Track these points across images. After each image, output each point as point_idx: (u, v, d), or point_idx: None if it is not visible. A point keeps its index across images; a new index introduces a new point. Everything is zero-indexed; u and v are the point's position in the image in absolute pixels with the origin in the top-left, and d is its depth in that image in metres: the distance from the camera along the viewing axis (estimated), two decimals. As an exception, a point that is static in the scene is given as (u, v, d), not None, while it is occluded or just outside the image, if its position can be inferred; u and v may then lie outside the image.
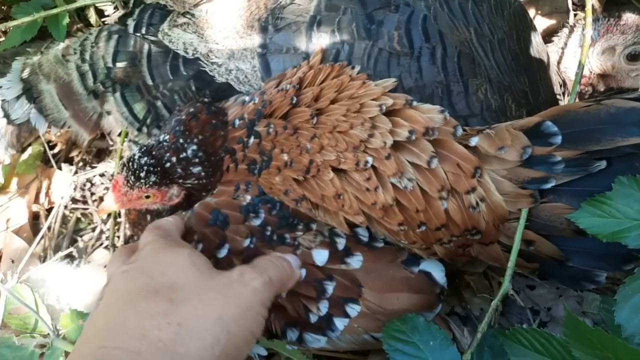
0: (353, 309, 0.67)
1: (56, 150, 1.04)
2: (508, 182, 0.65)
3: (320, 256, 0.66)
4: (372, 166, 0.65)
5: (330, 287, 0.66)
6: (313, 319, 0.66)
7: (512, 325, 0.78)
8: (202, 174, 0.69)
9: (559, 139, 0.64)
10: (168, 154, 0.68)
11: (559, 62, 0.92)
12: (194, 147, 0.68)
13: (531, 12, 1.05)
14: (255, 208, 0.67)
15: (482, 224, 0.66)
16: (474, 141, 0.66)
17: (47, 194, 1.00)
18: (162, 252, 0.55)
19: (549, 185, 0.64)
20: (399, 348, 0.61)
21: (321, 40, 0.76)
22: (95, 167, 1.04)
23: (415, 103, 0.69)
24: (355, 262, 0.68)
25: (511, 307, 0.80)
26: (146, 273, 0.50)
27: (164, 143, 0.69)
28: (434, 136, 0.65)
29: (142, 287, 0.48)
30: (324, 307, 0.66)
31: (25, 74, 0.91)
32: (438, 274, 0.70)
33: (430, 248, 0.69)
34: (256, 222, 0.66)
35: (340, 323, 0.67)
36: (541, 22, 1.05)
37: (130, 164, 0.67)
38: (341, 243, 0.67)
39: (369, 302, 0.67)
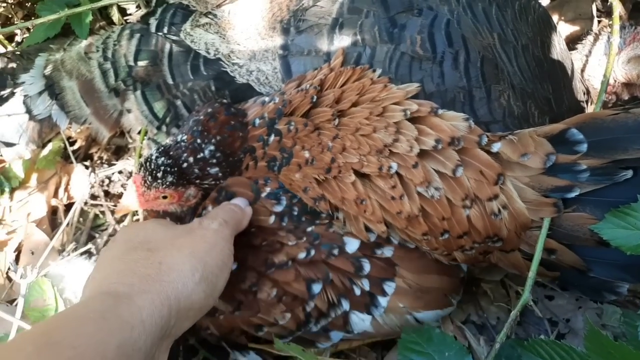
0: (390, 286, 0.67)
1: (76, 146, 1.05)
2: (531, 189, 0.64)
3: (351, 245, 0.67)
4: (398, 174, 0.65)
5: (366, 265, 0.67)
6: (357, 291, 0.66)
7: (529, 336, 0.78)
8: (220, 174, 0.70)
9: (584, 147, 0.63)
10: (185, 154, 0.68)
11: (582, 70, 0.91)
12: (212, 147, 0.69)
13: (554, 17, 1.04)
14: (277, 196, 0.67)
15: (504, 231, 0.65)
16: (496, 147, 0.65)
17: (66, 190, 1.01)
18: (133, 225, 0.68)
19: (572, 195, 0.63)
20: (413, 359, 0.61)
21: (343, 42, 0.75)
22: (114, 164, 1.04)
23: (440, 111, 0.68)
24: (387, 251, 0.68)
25: (529, 317, 0.78)
26: (123, 239, 0.60)
27: (182, 143, 0.69)
28: (460, 146, 0.65)
29: (123, 247, 0.58)
30: (365, 282, 0.67)
31: (47, 70, 0.93)
32: None
33: (451, 254, 0.68)
34: (278, 209, 0.67)
35: (383, 300, 0.67)
36: (564, 28, 1.04)
37: (148, 164, 0.68)
38: (372, 236, 0.68)
39: (405, 278, 0.68)
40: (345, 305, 0.67)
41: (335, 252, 0.66)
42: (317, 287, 0.66)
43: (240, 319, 0.66)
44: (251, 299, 0.65)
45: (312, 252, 0.65)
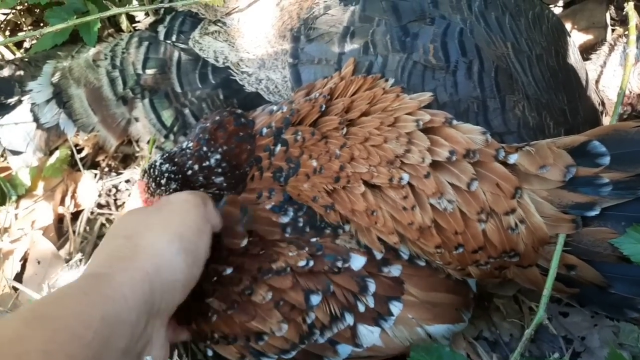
0: (397, 306, 0.65)
1: (83, 154, 1.04)
2: (549, 204, 0.62)
3: (357, 262, 0.65)
4: (410, 184, 0.63)
5: (372, 285, 0.64)
6: (361, 307, 0.64)
7: (543, 353, 0.75)
8: (224, 184, 0.69)
9: (607, 160, 0.61)
10: (190, 162, 0.68)
11: (597, 81, 0.89)
12: (218, 156, 0.68)
13: (567, 26, 1.02)
14: (283, 207, 0.66)
15: (521, 246, 0.63)
16: (512, 158, 0.64)
17: (72, 198, 1.00)
18: (118, 219, 0.70)
19: (593, 213, 0.61)
20: (427, 378, 0.59)
21: (354, 51, 0.74)
22: (122, 173, 1.04)
23: (455, 122, 0.66)
24: (394, 270, 0.66)
25: (542, 334, 0.76)
26: (108, 233, 0.64)
27: (187, 150, 0.68)
28: (475, 159, 0.63)
29: (106, 240, 0.61)
30: (370, 300, 0.65)
31: (55, 78, 0.92)
32: (471, 281, 0.71)
33: (465, 269, 0.66)
34: (284, 220, 0.66)
35: (394, 308, 0.65)
36: (578, 37, 1.03)
37: (152, 170, 0.67)
38: (378, 255, 0.66)
39: (413, 296, 0.66)
40: (349, 319, 0.65)
41: (339, 264, 0.64)
42: (316, 299, 0.63)
43: (238, 322, 0.64)
44: (246, 301, 0.64)
45: (312, 263, 0.63)
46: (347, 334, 0.64)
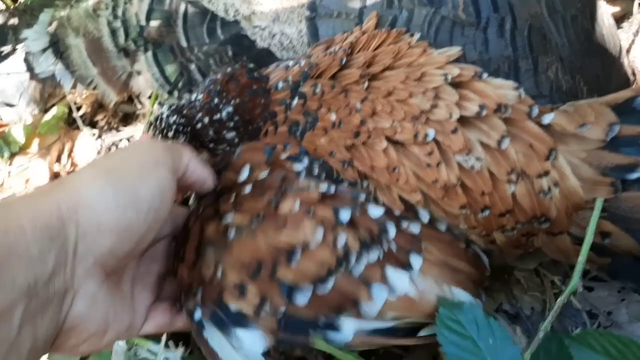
0: (417, 260, 0.59)
1: (81, 112, 0.99)
2: (587, 166, 0.58)
3: (376, 210, 0.59)
4: (435, 140, 0.59)
5: (392, 229, 0.58)
6: (385, 245, 0.58)
7: (565, 328, 0.72)
8: (236, 140, 0.64)
9: None
10: (200, 114, 0.63)
11: (627, 50, 0.85)
12: (230, 109, 0.63)
13: (594, -4, 0.98)
14: (298, 157, 0.60)
15: (553, 211, 0.59)
16: (547, 118, 0.59)
17: (69, 156, 0.95)
18: None
19: (635, 176, 0.57)
20: (454, 341, 0.54)
21: (377, 4, 0.70)
22: (121, 131, 0.99)
23: (485, 76, 0.62)
24: (413, 226, 0.60)
25: (565, 308, 0.72)
26: None
27: (197, 102, 0.64)
28: (507, 114, 0.59)
29: None
30: (393, 245, 0.58)
31: (52, 27, 0.87)
32: (484, 258, 0.66)
33: (490, 235, 0.62)
34: (298, 167, 0.60)
35: (415, 261, 0.59)
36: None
37: (158, 122, 0.63)
38: (397, 212, 0.60)
39: (433, 254, 0.60)
40: (378, 251, 0.58)
41: (362, 198, 0.58)
42: (345, 215, 0.56)
43: (263, 240, 0.55)
44: (272, 213, 0.56)
45: (333, 189, 0.58)
46: (378, 272, 0.58)
